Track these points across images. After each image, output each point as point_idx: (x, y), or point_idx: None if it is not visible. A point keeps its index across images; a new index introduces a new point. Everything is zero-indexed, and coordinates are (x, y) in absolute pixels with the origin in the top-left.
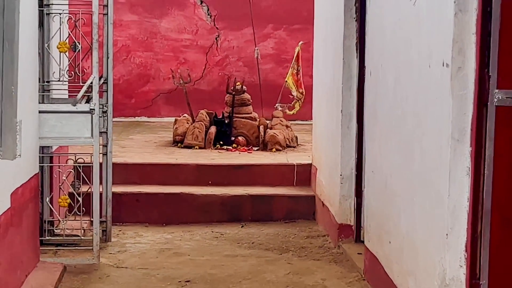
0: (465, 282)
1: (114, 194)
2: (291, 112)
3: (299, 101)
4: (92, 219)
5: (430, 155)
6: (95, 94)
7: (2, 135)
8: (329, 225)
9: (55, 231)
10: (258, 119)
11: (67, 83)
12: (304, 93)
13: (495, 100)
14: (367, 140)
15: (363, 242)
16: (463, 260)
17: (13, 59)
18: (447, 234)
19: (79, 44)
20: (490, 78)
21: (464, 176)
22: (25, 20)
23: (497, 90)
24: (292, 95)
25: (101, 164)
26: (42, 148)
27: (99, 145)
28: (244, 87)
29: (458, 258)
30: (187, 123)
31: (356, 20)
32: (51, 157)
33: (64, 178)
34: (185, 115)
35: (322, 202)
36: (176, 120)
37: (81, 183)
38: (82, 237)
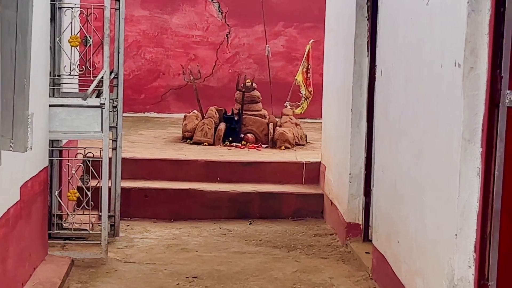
0: (474, 283)
1: (122, 189)
2: (298, 111)
3: (307, 100)
4: (100, 214)
5: (441, 155)
6: (105, 89)
7: (14, 128)
8: (337, 223)
9: (64, 225)
10: (267, 117)
11: (77, 77)
12: (312, 92)
13: (507, 101)
14: (377, 139)
15: (371, 241)
16: (472, 261)
17: (26, 51)
18: (456, 235)
19: (90, 38)
20: (502, 79)
21: (474, 176)
22: (37, 14)
23: (508, 91)
24: (301, 92)
25: (110, 159)
26: (52, 142)
27: (109, 139)
28: (254, 84)
29: (467, 259)
30: (197, 120)
31: (367, 19)
32: (61, 151)
33: (73, 172)
34: (195, 111)
35: (331, 200)
36: (185, 116)
37: (90, 178)
38: (90, 231)
